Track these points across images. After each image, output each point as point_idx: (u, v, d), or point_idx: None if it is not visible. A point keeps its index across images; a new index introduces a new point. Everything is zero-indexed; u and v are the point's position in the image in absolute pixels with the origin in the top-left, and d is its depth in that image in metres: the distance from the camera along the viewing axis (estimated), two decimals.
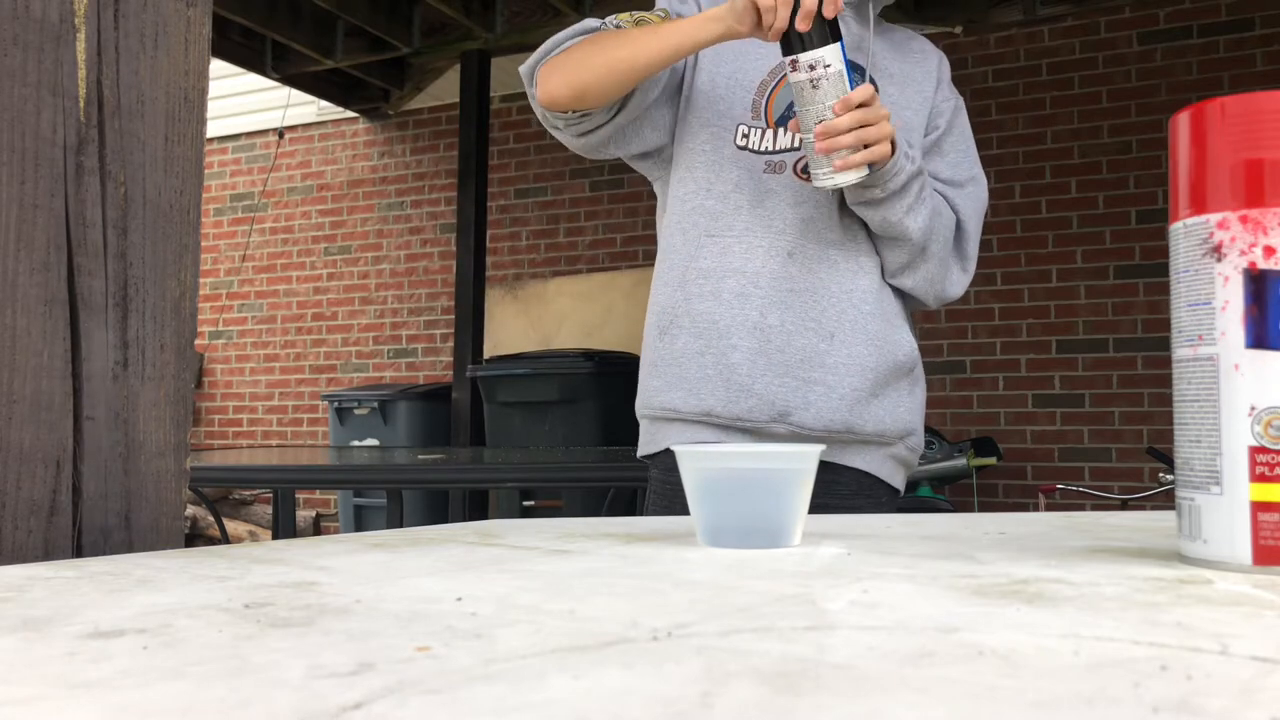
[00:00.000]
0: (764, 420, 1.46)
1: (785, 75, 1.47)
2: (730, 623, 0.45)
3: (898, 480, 1.56)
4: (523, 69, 1.52)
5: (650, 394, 1.52)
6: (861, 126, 1.33)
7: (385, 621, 0.45)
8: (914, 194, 1.45)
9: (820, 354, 1.47)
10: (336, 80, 6.26)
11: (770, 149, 1.50)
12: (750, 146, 1.50)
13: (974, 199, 1.57)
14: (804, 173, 1.47)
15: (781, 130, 1.50)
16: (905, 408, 1.53)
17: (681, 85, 1.54)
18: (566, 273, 6.10)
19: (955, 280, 1.57)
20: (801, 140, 1.41)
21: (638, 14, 1.48)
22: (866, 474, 1.52)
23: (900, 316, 1.54)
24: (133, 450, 0.77)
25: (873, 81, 1.52)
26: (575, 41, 1.47)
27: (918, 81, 1.57)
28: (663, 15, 1.47)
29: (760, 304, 1.46)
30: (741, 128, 1.50)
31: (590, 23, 1.50)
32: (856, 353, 1.48)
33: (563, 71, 1.44)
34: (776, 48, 1.42)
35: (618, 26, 1.46)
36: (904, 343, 1.53)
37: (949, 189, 1.55)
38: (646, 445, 1.57)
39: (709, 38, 1.37)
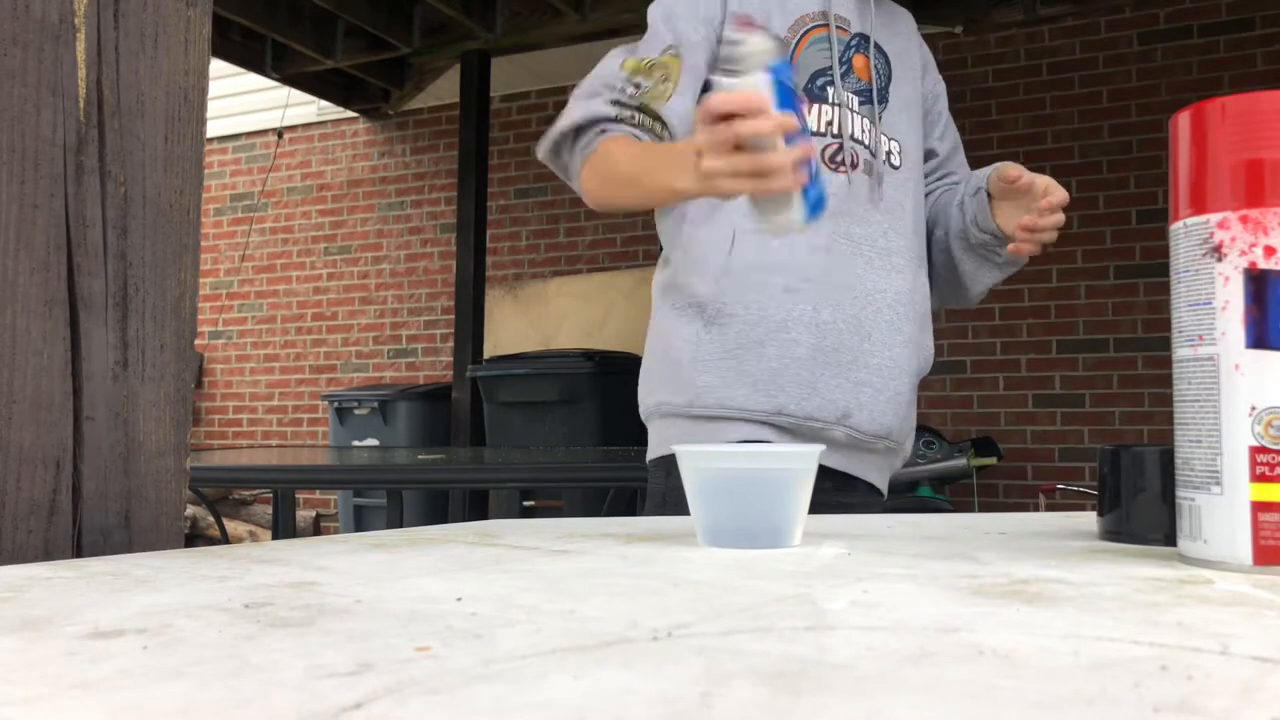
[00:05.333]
0: (830, 420, 1.36)
1: (810, 30, 1.41)
2: (730, 623, 0.45)
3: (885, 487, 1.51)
4: (543, 152, 1.43)
5: (700, 392, 1.36)
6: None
7: (385, 621, 0.45)
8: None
9: (864, 354, 1.38)
10: (336, 80, 6.26)
11: None
12: None
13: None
14: (832, 161, 1.40)
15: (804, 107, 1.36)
16: (914, 413, 1.49)
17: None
18: (566, 273, 6.10)
19: None
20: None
21: (647, 62, 1.36)
22: (873, 487, 1.45)
23: (929, 319, 1.50)
24: (133, 450, 0.77)
25: (880, 49, 1.48)
26: (589, 144, 1.36)
27: (909, 56, 1.54)
28: (674, 53, 1.37)
29: (811, 299, 1.35)
30: None
31: (594, 107, 1.36)
32: (895, 355, 1.41)
33: (596, 193, 1.37)
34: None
35: (633, 94, 1.35)
36: (928, 346, 1.49)
37: (964, 166, 1.60)
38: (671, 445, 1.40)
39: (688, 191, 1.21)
